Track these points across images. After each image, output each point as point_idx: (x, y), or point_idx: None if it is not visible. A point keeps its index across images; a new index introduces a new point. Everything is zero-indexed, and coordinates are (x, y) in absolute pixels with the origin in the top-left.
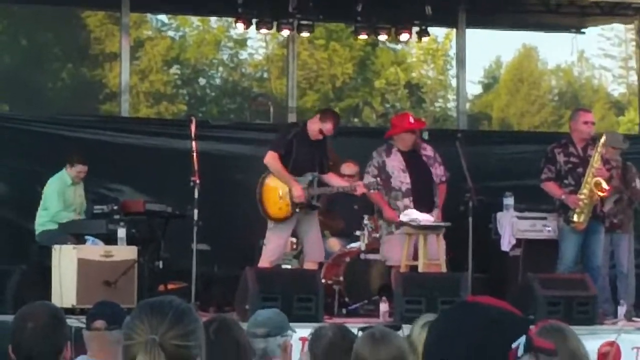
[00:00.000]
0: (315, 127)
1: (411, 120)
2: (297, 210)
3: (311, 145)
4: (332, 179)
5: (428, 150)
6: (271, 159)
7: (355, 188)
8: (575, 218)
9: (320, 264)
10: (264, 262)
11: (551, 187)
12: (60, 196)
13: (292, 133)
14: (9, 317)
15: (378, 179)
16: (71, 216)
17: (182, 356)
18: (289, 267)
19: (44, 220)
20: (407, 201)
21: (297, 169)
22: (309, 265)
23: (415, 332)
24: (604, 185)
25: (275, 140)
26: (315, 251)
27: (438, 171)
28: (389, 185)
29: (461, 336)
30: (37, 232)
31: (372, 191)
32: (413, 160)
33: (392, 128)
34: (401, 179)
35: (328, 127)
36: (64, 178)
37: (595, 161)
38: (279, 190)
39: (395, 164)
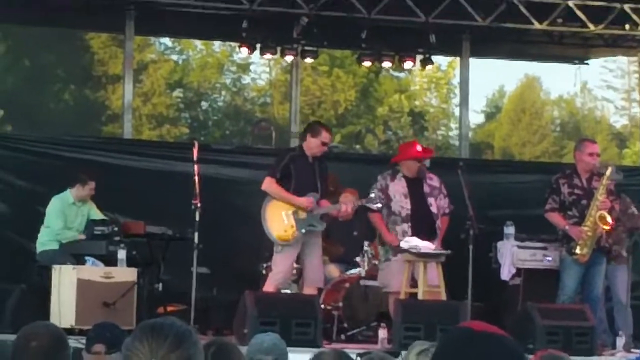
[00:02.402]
0: (314, 144)
1: (418, 148)
2: (303, 231)
3: (311, 167)
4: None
5: (434, 181)
6: (268, 184)
7: (341, 207)
8: (578, 250)
9: (319, 290)
10: (270, 286)
11: (555, 218)
12: (61, 214)
13: (288, 157)
14: (8, 337)
15: (380, 193)
16: (74, 235)
17: None
18: (288, 291)
19: (45, 239)
20: (405, 226)
21: (299, 191)
22: (309, 290)
23: None
24: (609, 219)
25: (272, 166)
26: (316, 276)
27: (442, 203)
28: (389, 209)
29: None
30: (37, 251)
31: (375, 206)
32: (416, 187)
33: (399, 154)
34: (402, 204)
35: (325, 135)
36: (66, 198)
37: (601, 194)
38: (282, 212)
39: (398, 188)
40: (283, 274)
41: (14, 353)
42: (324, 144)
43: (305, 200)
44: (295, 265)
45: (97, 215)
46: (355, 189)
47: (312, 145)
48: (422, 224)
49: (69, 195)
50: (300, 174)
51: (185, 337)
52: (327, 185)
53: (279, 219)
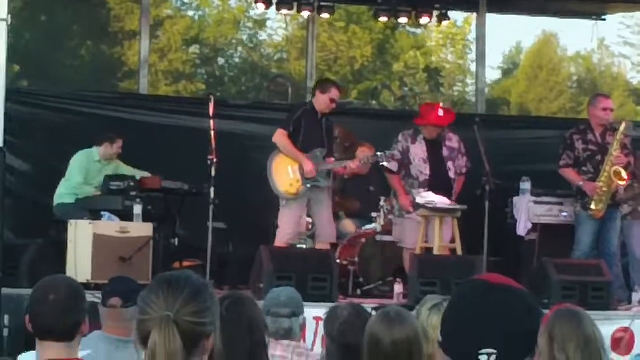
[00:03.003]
0: (323, 100)
1: (440, 113)
2: (309, 185)
3: (320, 123)
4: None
5: (453, 142)
6: (279, 136)
7: (346, 165)
8: (593, 206)
9: (334, 245)
10: (280, 241)
11: (569, 174)
12: (82, 170)
13: (300, 111)
14: (25, 291)
15: (396, 152)
16: (91, 191)
17: (197, 333)
18: (304, 246)
19: (62, 192)
20: (421, 191)
21: (306, 146)
22: (321, 246)
23: (423, 315)
24: (624, 174)
25: (285, 119)
26: (327, 232)
27: (460, 162)
28: (408, 171)
29: (503, 322)
30: (54, 204)
31: (382, 163)
32: (435, 151)
33: (420, 117)
34: (421, 169)
35: (334, 92)
36: (91, 154)
37: (615, 149)
38: (288, 167)
39: (418, 152)
40: (291, 229)
41: (32, 306)
42: (332, 100)
43: (308, 166)
44: (309, 219)
45: (127, 171)
46: (371, 144)
47: (321, 101)
48: (438, 190)
49: (95, 152)
50: (309, 129)
51: (201, 291)
52: (333, 141)
53: (286, 173)
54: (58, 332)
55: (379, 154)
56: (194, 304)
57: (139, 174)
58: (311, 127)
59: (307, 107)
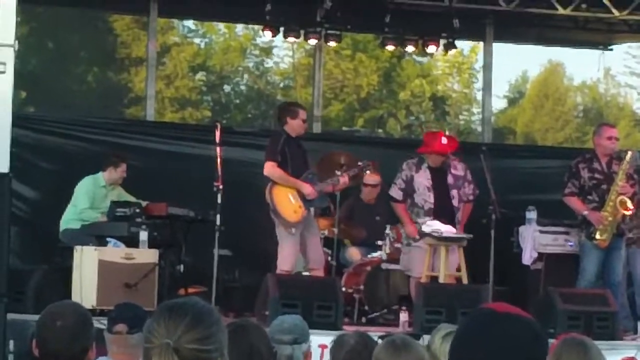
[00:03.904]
0: (297, 124)
1: (444, 141)
2: (311, 209)
3: (297, 146)
4: None
5: (459, 170)
6: (270, 168)
7: (339, 180)
8: (598, 235)
9: (340, 272)
10: (282, 269)
11: (574, 202)
12: (88, 195)
13: (282, 140)
14: (30, 316)
15: (399, 180)
16: (97, 217)
17: None
18: (306, 274)
19: (69, 217)
20: (427, 220)
21: (296, 171)
22: (314, 272)
23: (436, 343)
24: (629, 204)
25: (270, 150)
26: (320, 257)
27: (467, 190)
28: (412, 200)
29: (511, 352)
30: (61, 229)
31: (366, 173)
32: (440, 179)
33: (424, 145)
34: (425, 197)
35: (302, 114)
36: (97, 179)
37: (620, 179)
38: (288, 195)
39: (422, 180)
40: (295, 256)
41: (39, 331)
42: (304, 121)
43: (308, 189)
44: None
45: (127, 198)
46: (377, 172)
47: (295, 126)
48: (443, 218)
49: (100, 177)
50: (293, 155)
51: (205, 317)
52: (333, 164)
53: (287, 201)
54: (65, 358)
55: (360, 163)
56: (196, 330)
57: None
58: (294, 153)
59: (285, 135)
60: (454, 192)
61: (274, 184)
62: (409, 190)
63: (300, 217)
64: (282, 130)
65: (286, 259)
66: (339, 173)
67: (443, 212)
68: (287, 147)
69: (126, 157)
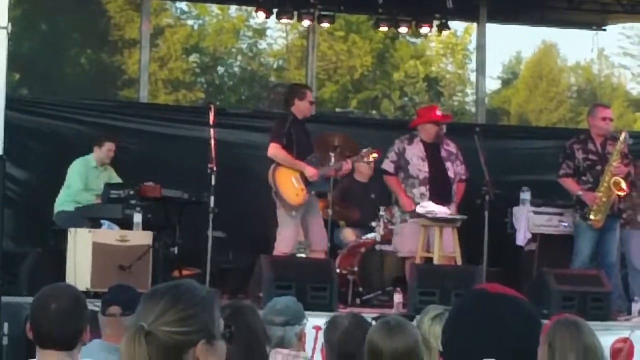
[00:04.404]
0: (304, 106)
1: (438, 112)
2: (312, 192)
3: (304, 130)
4: None
5: (451, 147)
6: (275, 149)
7: (342, 166)
8: (592, 216)
9: (334, 254)
10: (280, 250)
11: (569, 183)
12: (81, 176)
13: (288, 122)
14: (24, 299)
15: (391, 153)
16: (92, 199)
17: (178, 343)
18: (303, 255)
19: (63, 200)
20: (423, 189)
21: (300, 155)
22: (316, 254)
23: (426, 325)
24: (623, 184)
25: (275, 131)
26: (322, 240)
27: (459, 169)
28: (406, 172)
29: (504, 332)
30: (55, 212)
31: (372, 157)
32: (434, 151)
33: (418, 117)
34: (419, 167)
35: (309, 95)
36: (88, 160)
37: (614, 159)
38: (291, 177)
39: (415, 151)
40: (294, 238)
41: (33, 314)
42: (311, 103)
43: (311, 170)
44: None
45: (117, 180)
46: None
47: (302, 108)
48: (439, 188)
49: (91, 158)
50: (298, 138)
51: (183, 297)
52: (327, 145)
53: (290, 183)
54: (59, 341)
55: (364, 150)
56: (172, 312)
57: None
58: (300, 135)
59: (291, 117)
60: (448, 165)
61: (277, 166)
62: (401, 162)
63: (302, 199)
64: (288, 112)
65: (284, 241)
66: (331, 160)
67: (438, 181)
68: (293, 129)
69: (112, 137)
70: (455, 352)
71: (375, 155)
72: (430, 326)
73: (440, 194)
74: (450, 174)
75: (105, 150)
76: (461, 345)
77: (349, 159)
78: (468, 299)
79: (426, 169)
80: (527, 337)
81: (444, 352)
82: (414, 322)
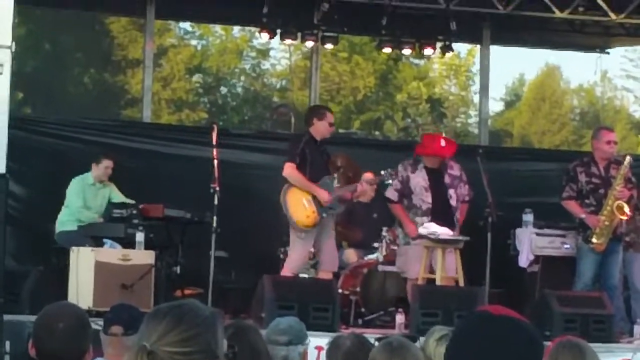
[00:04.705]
0: (323, 127)
1: (442, 143)
2: (324, 215)
3: (320, 151)
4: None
5: (455, 170)
6: (290, 169)
7: (357, 188)
8: (594, 239)
9: (336, 274)
10: (287, 271)
11: (572, 206)
12: (79, 194)
13: (303, 142)
14: (26, 317)
15: (395, 181)
16: (93, 217)
17: None
18: (305, 276)
19: (64, 219)
20: (425, 220)
21: (314, 176)
22: (324, 274)
23: (431, 346)
24: (626, 209)
25: (290, 151)
26: (332, 261)
27: (463, 190)
28: (410, 201)
29: (506, 354)
30: (56, 231)
31: (387, 182)
32: (437, 179)
33: (422, 147)
34: (423, 197)
35: (329, 116)
36: (86, 178)
37: (618, 183)
38: (303, 199)
39: (419, 180)
40: (302, 260)
41: (39, 332)
42: (331, 125)
43: (324, 195)
44: (311, 249)
45: (118, 197)
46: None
47: (322, 129)
48: (441, 218)
49: (89, 176)
50: (313, 159)
51: (186, 318)
52: (331, 167)
53: (301, 205)
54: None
55: (382, 172)
56: (174, 332)
57: (127, 201)
58: (315, 156)
59: (306, 137)
60: (451, 192)
61: (289, 186)
62: (405, 191)
63: (312, 222)
64: (306, 132)
65: (292, 262)
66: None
67: (441, 212)
68: (307, 149)
69: (110, 154)
70: None
71: (393, 177)
72: (435, 347)
73: (442, 224)
74: (453, 202)
75: (103, 167)
76: None
77: (366, 182)
78: (470, 320)
79: (429, 200)
80: (528, 359)
81: None
82: (417, 344)
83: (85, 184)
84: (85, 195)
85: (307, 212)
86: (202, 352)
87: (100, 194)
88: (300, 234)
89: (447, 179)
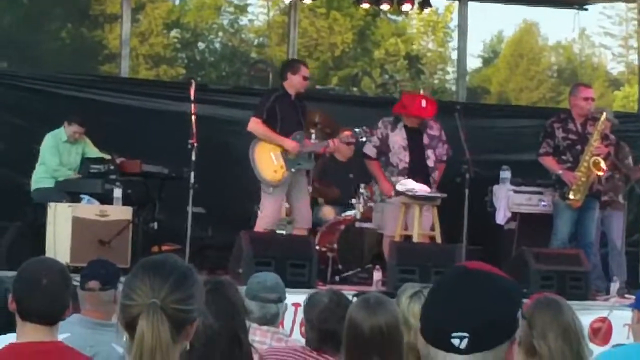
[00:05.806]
0: (297, 80)
1: (423, 104)
2: (293, 170)
3: (294, 106)
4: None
5: (434, 130)
6: (254, 124)
7: (329, 143)
8: (571, 195)
9: (314, 231)
10: (260, 227)
11: (549, 162)
12: (55, 151)
13: (272, 97)
14: (3, 273)
15: (371, 137)
16: (68, 174)
17: (182, 320)
18: (283, 232)
19: (39, 177)
20: (401, 179)
21: (285, 131)
22: (298, 231)
23: (404, 303)
24: (603, 164)
25: (258, 106)
26: (306, 217)
27: (441, 150)
28: (387, 159)
29: (483, 308)
30: (32, 189)
31: (362, 139)
32: (416, 139)
33: (402, 106)
34: (400, 156)
35: (304, 70)
36: (59, 134)
37: (595, 139)
38: (270, 153)
39: (397, 139)
40: (273, 215)
41: (21, 287)
42: (305, 78)
43: (291, 144)
44: (286, 205)
45: (93, 152)
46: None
47: (295, 83)
48: (417, 178)
49: (62, 132)
50: (285, 114)
51: (187, 277)
52: (307, 122)
53: (268, 160)
54: (46, 316)
55: (357, 130)
56: (180, 290)
57: (102, 156)
58: (287, 111)
59: (279, 92)
60: (429, 152)
61: (257, 141)
62: (383, 148)
63: (280, 177)
64: (280, 86)
65: (264, 218)
66: (311, 137)
67: (418, 172)
68: (278, 104)
69: (82, 122)
70: (430, 326)
71: (368, 136)
72: (408, 305)
73: (418, 182)
74: (430, 162)
75: (71, 130)
76: (437, 318)
77: (339, 139)
78: (448, 276)
79: (407, 159)
80: (503, 313)
81: (422, 328)
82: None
83: (59, 141)
84: (60, 152)
85: (275, 167)
86: (197, 310)
87: (74, 149)
88: (268, 188)
89: (425, 139)
